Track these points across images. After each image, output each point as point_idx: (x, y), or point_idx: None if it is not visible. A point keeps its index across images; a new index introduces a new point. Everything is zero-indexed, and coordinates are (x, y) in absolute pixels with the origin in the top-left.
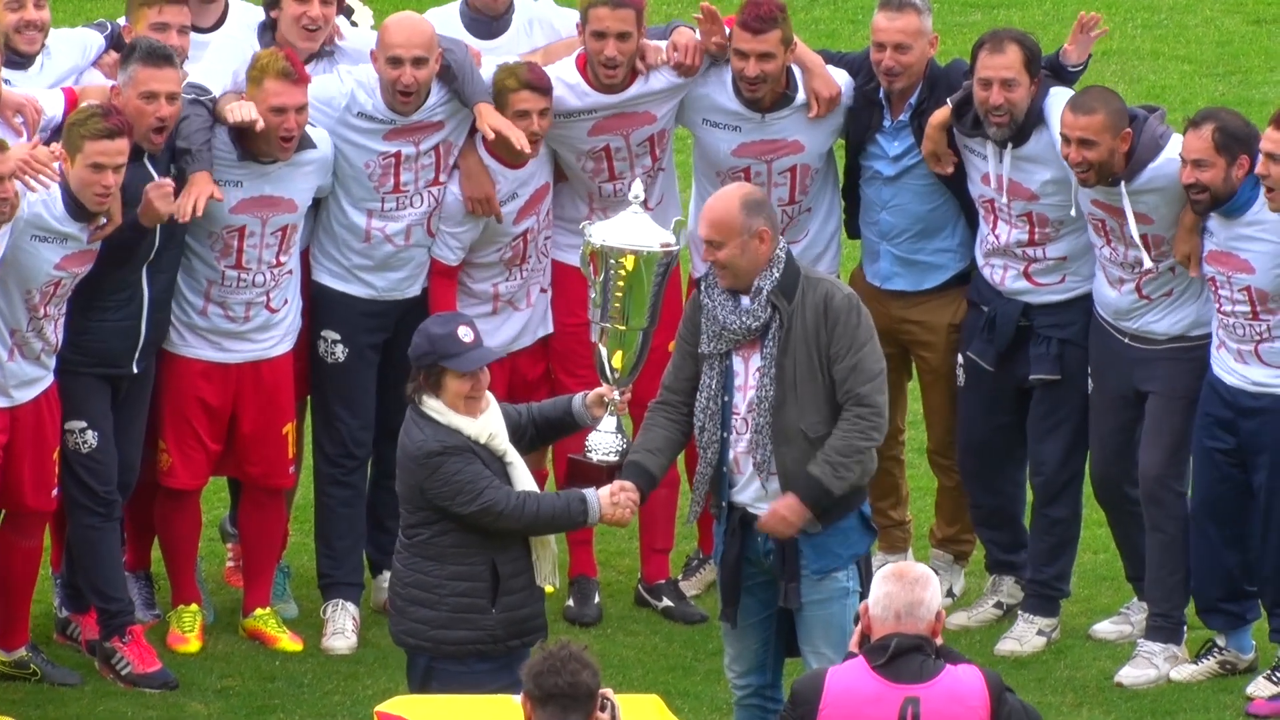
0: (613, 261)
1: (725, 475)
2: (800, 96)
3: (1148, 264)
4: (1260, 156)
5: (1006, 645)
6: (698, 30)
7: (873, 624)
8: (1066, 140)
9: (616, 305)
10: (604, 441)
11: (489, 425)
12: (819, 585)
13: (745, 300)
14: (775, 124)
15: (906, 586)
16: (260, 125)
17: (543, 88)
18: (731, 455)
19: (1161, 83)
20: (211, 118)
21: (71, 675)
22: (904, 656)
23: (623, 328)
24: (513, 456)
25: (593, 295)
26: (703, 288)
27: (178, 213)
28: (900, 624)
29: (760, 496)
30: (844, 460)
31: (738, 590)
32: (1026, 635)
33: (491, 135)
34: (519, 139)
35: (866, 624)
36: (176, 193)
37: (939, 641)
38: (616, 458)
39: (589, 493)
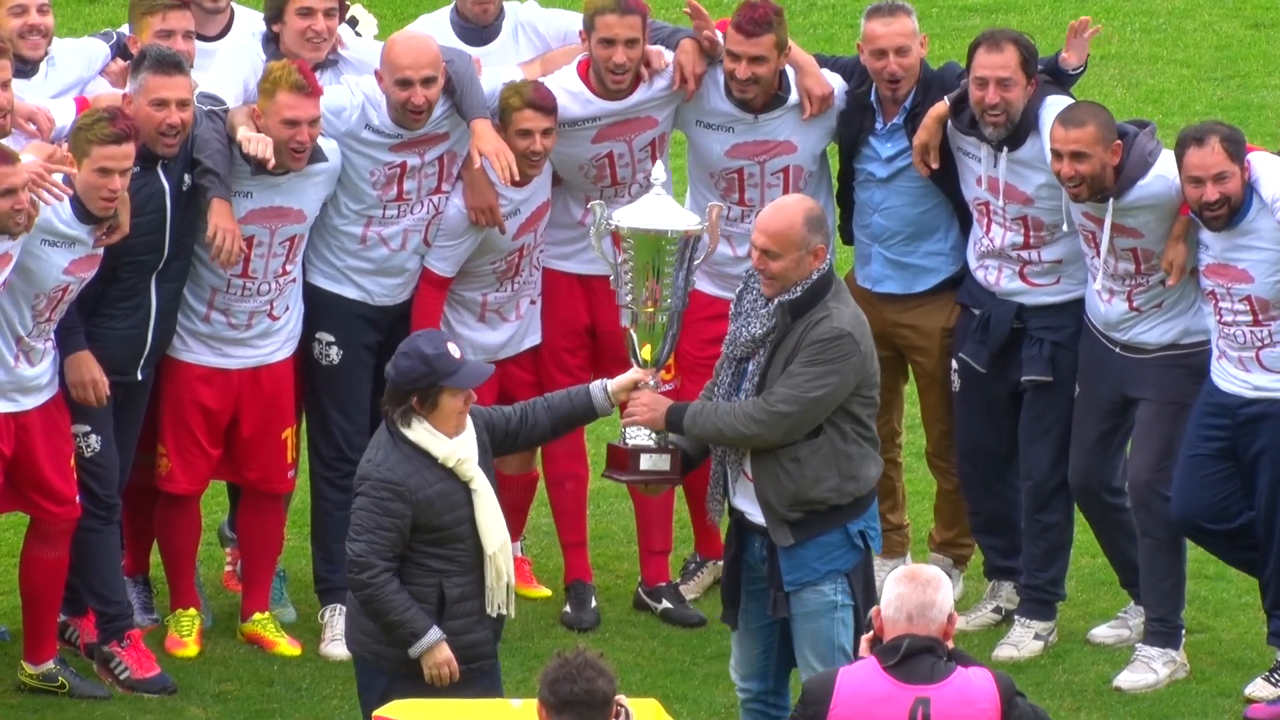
0: (638, 244)
1: (726, 478)
2: (793, 97)
3: (1098, 285)
4: None
5: (1004, 651)
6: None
7: (885, 625)
8: (1058, 155)
9: (646, 289)
10: (637, 429)
11: (458, 450)
12: (802, 598)
13: (765, 308)
14: (768, 124)
15: (919, 588)
16: (273, 164)
17: (547, 107)
18: (729, 460)
19: (1160, 87)
20: (226, 134)
21: (99, 689)
22: (915, 657)
23: (651, 310)
24: (479, 484)
25: (624, 281)
26: (741, 289)
27: (222, 259)
28: (912, 625)
29: (751, 501)
30: (713, 419)
31: (737, 593)
32: (1024, 640)
33: (478, 163)
34: (505, 170)
35: (879, 626)
36: (199, 210)
37: (950, 644)
38: (649, 442)
39: (433, 633)
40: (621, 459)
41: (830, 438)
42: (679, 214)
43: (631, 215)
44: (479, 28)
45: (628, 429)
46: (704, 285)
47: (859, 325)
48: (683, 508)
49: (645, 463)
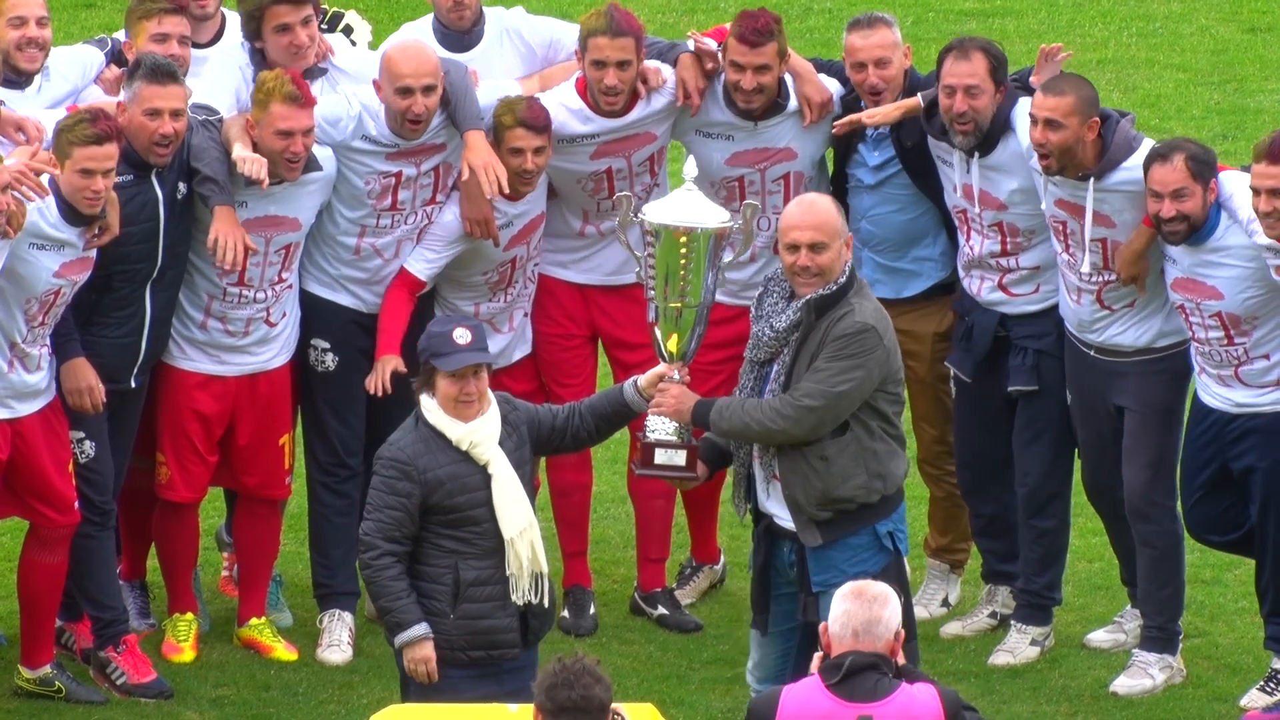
0: (667, 239)
1: (753, 481)
2: (792, 104)
3: (1086, 268)
4: (1260, 194)
5: (1000, 658)
6: (692, 44)
7: (831, 642)
8: (1034, 121)
9: (679, 283)
10: (659, 423)
11: (472, 433)
12: (830, 602)
13: (791, 305)
14: (767, 132)
15: (865, 604)
16: (266, 185)
17: (539, 126)
18: (757, 461)
19: (1156, 91)
20: (222, 143)
21: (96, 694)
22: (859, 675)
23: (678, 305)
24: (498, 468)
25: (650, 275)
26: (761, 293)
27: (221, 262)
28: (858, 642)
29: (781, 504)
30: (739, 414)
31: (766, 598)
32: (1020, 646)
33: (465, 175)
34: (491, 184)
35: (826, 642)
36: (193, 219)
37: (901, 660)
38: (667, 436)
39: (417, 628)
40: (640, 451)
41: (857, 435)
42: (710, 210)
43: (661, 210)
44: (459, 34)
45: (649, 420)
46: None
47: (881, 319)
48: (678, 512)
49: (660, 457)
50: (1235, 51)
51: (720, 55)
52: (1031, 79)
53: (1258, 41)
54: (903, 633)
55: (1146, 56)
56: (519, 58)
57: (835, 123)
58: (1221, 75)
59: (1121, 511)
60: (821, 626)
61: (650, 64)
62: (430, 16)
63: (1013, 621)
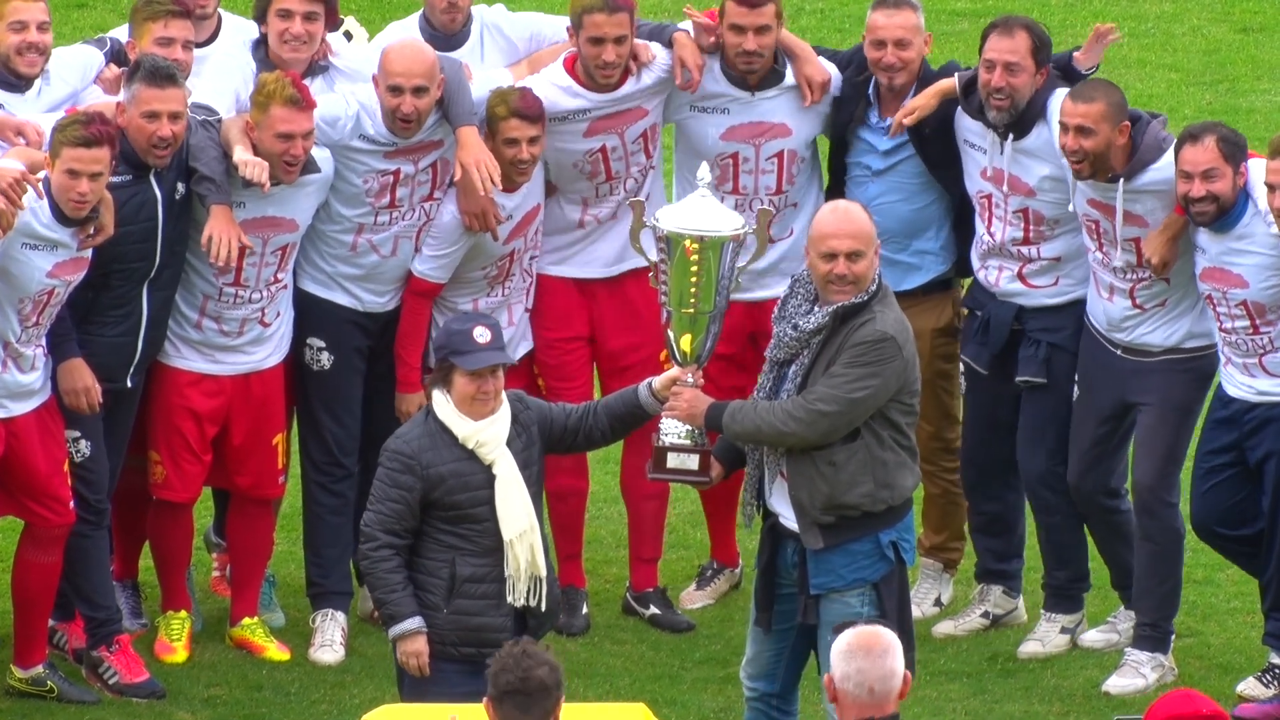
0: (680, 245)
1: (763, 481)
2: (789, 79)
3: (1120, 263)
4: (1267, 190)
5: (1029, 646)
6: (690, 26)
7: (842, 699)
8: (1065, 128)
9: (692, 289)
10: (673, 426)
11: (479, 432)
12: (828, 608)
13: (818, 310)
14: (763, 104)
15: (876, 659)
16: (267, 189)
17: (533, 116)
18: (767, 457)
19: (1149, 91)
20: (221, 144)
21: (88, 693)
22: None
23: (691, 311)
24: (502, 469)
25: (662, 280)
26: (786, 295)
27: (215, 259)
28: (874, 698)
29: (786, 503)
30: (752, 416)
31: (770, 596)
32: (1050, 635)
33: (459, 173)
34: (484, 181)
35: (832, 694)
36: (190, 219)
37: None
38: (680, 440)
39: (411, 621)
40: (652, 455)
41: (867, 443)
42: (724, 216)
43: (675, 216)
44: (447, 35)
45: (662, 424)
46: None
47: (902, 330)
48: (673, 513)
49: (673, 461)
50: (1227, 52)
51: (717, 28)
52: (1076, 55)
53: (1250, 42)
54: (909, 674)
55: (1139, 57)
56: (501, 54)
57: (890, 128)
58: (1214, 75)
59: (1106, 516)
60: (826, 678)
61: (640, 41)
62: (417, 15)
63: (1042, 611)
